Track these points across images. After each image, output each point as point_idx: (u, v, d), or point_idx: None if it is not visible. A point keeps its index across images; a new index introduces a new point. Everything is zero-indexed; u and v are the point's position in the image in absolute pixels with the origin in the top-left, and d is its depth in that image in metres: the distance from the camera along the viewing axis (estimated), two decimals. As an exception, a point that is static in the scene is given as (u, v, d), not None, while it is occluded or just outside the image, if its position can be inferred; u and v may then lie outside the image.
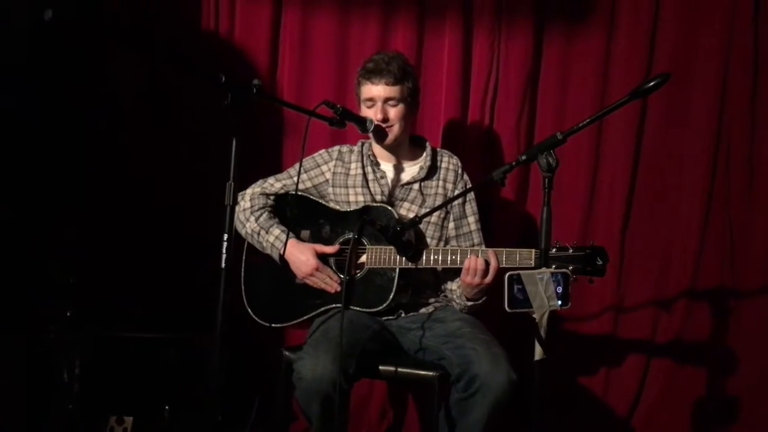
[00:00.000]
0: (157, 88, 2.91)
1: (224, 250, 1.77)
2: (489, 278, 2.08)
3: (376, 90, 2.24)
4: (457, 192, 2.36)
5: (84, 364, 2.53)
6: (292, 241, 2.22)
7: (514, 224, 2.83)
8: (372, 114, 2.24)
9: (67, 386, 2.50)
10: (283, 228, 2.28)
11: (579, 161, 2.78)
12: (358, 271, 2.20)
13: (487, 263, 2.07)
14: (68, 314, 2.61)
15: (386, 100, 2.25)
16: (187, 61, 2.23)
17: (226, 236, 1.76)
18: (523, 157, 1.77)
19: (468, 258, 2.07)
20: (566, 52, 2.81)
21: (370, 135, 2.27)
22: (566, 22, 2.80)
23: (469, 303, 2.20)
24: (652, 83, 1.62)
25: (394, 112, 2.26)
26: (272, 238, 2.26)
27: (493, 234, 2.60)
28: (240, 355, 2.64)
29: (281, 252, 2.23)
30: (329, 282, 2.21)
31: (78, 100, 2.80)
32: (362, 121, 2.20)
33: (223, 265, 1.77)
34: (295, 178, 2.37)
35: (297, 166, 2.41)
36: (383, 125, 2.25)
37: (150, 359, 2.61)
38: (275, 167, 2.63)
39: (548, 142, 1.73)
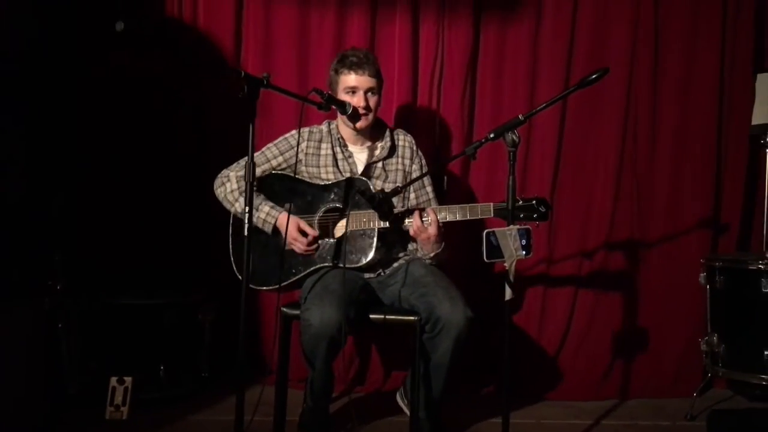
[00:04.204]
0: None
1: (246, 221, 2.05)
2: (432, 230, 2.42)
3: (360, 80, 2.54)
4: (414, 166, 2.72)
5: (82, 331, 2.73)
6: (283, 215, 2.51)
7: (461, 193, 3.21)
8: (354, 102, 2.53)
9: (68, 353, 2.70)
10: (272, 204, 2.56)
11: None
12: (341, 234, 2.52)
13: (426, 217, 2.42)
14: (58, 287, 2.80)
15: (368, 90, 2.56)
16: (212, 62, 2.74)
17: (247, 209, 2.05)
18: (491, 135, 2.15)
19: (413, 218, 2.43)
20: (501, 38, 3.23)
21: (345, 117, 2.57)
22: (500, 11, 3.21)
23: (432, 255, 2.56)
24: (594, 75, 2.05)
25: (373, 101, 2.58)
26: (263, 214, 2.55)
27: (445, 202, 3.01)
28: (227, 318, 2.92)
29: (274, 225, 2.52)
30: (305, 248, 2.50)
31: (72, 89, 3.02)
32: (343, 105, 2.51)
33: (246, 233, 2.05)
34: (273, 162, 2.65)
35: (272, 147, 2.68)
36: (362, 111, 2.56)
37: (143, 323, 2.84)
38: (245, 147, 2.87)
39: (512, 122, 2.12)
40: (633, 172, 3.26)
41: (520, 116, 2.12)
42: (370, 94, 2.57)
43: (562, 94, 2.17)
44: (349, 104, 2.53)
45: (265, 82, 2.06)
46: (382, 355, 3.24)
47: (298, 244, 2.51)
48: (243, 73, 2.01)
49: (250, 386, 2.75)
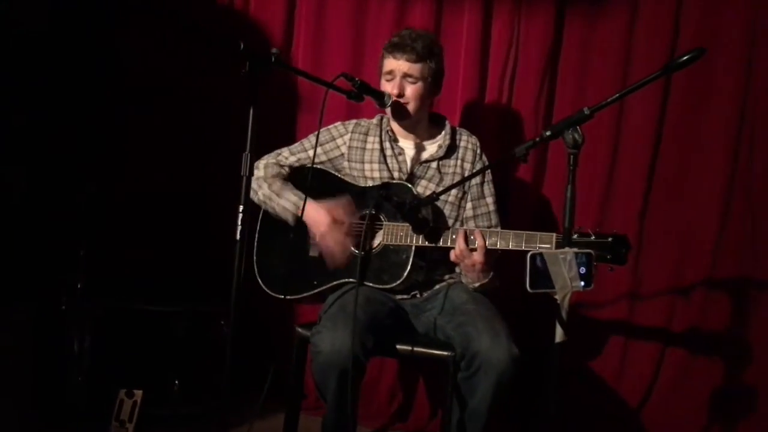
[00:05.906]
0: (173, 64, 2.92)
1: (239, 222, 1.73)
2: (479, 257, 2.03)
3: (396, 64, 2.21)
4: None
5: (95, 336, 2.51)
6: (309, 203, 2.15)
7: (529, 206, 2.79)
8: (389, 88, 2.21)
9: (78, 358, 2.48)
10: (298, 193, 2.24)
11: (599, 141, 2.71)
12: (374, 247, 2.16)
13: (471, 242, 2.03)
14: (79, 286, 2.60)
15: (405, 76, 2.21)
16: (205, 30, 2.34)
17: (241, 207, 1.73)
18: (548, 133, 1.71)
19: (457, 238, 2.03)
20: (587, 33, 2.76)
21: (388, 110, 2.24)
22: (588, 3, 2.75)
23: (476, 285, 2.16)
24: (686, 57, 1.57)
25: (411, 90, 2.22)
26: (285, 202, 2.23)
27: (507, 216, 2.58)
28: (249, 329, 2.62)
29: (297, 214, 2.18)
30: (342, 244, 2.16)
31: (96, 77, 2.85)
32: (380, 96, 2.16)
33: (238, 236, 1.73)
34: (310, 152, 2.35)
35: (311, 138, 2.39)
36: (399, 100, 2.21)
37: (160, 332, 2.60)
38: (289, 142, 2.60)
39: (575, 117, 1.67)
40: (746, 191, 2.66)
41: (585, 109, 1.67)
42: (409, 80, 2.21)
43: (640, 82, 1.67)
44: (389, 96, 2.17)
45: (273, 59, 1.74)
46: (430, 390, 2.82)
47: (328, 239, 2.17)
48: (242, 46, 1.68)
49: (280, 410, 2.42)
